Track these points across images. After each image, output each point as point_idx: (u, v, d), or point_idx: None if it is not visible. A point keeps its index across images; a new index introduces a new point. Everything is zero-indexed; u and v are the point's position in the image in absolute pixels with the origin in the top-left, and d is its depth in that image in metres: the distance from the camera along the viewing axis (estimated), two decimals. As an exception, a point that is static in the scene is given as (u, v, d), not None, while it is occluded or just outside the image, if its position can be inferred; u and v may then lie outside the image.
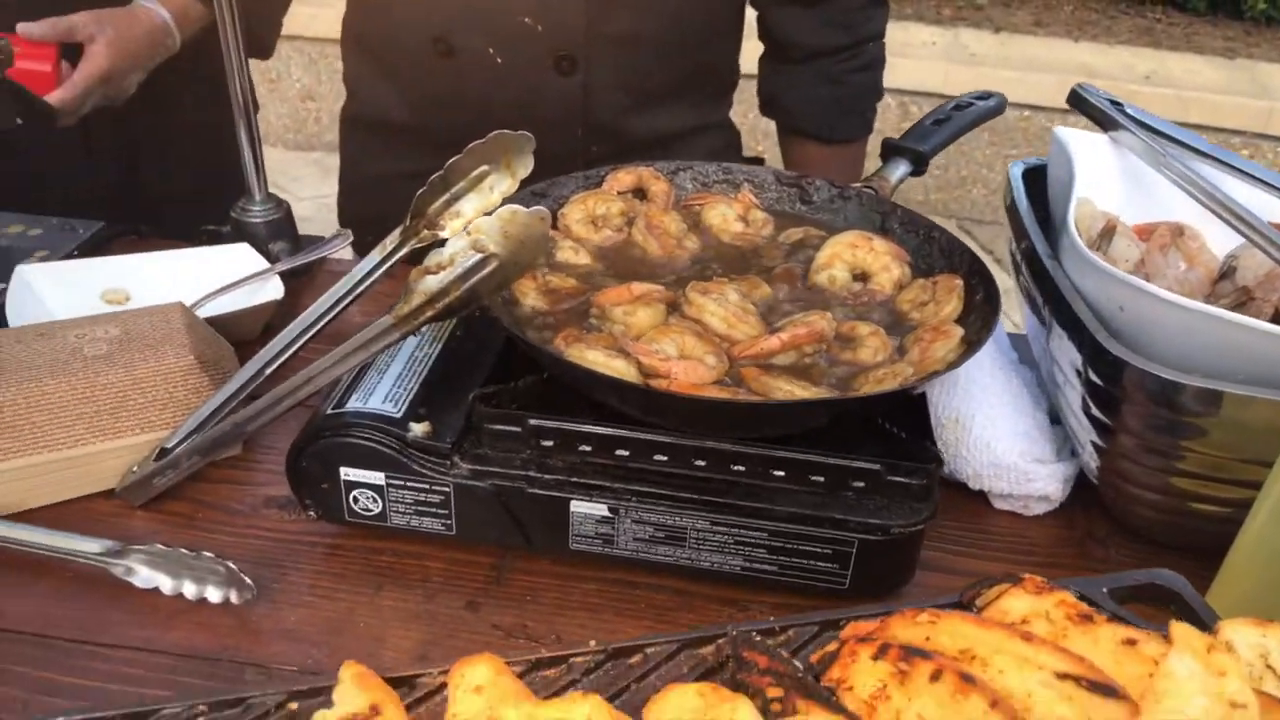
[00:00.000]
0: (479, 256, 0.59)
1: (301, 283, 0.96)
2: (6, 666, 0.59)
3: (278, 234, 0.98)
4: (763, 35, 1.14)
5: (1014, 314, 0.87)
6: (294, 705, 0.45)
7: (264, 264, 0.93)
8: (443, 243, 0.64)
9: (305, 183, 3.27)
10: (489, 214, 0.61)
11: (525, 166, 0.70)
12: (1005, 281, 0.75)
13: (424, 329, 0.64)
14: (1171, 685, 0.35)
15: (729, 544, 0.63)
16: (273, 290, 0.89)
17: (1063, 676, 0.38)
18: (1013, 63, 4.05)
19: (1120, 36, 4.45)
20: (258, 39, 1.40)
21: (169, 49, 1.24)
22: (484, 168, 0.70)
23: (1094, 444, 0.66)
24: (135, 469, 0.70)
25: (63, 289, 0.86)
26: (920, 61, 3.75)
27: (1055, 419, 0.76)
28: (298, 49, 3.49)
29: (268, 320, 0.89)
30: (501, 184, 0.70)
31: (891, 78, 1.19)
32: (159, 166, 1.36)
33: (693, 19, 1.05)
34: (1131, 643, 0.41)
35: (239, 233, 0.97)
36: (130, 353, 0.73)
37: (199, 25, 1.27)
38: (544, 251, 0.66)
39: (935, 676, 0.39)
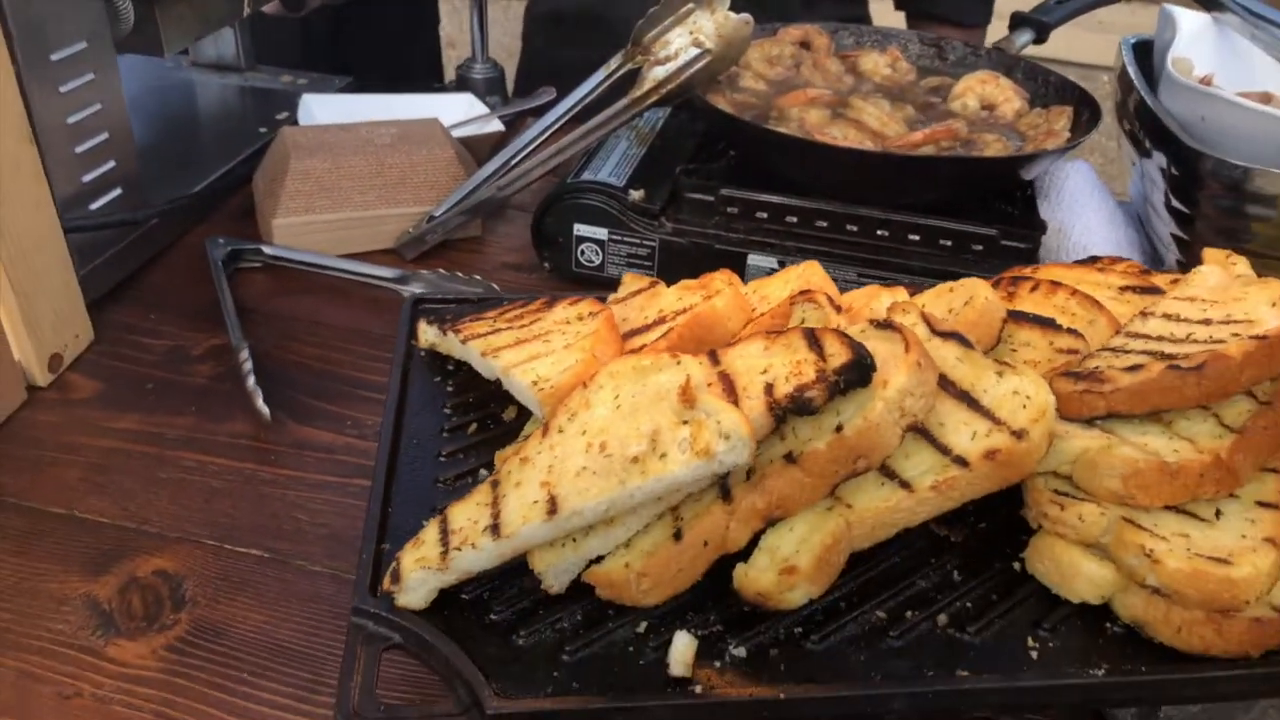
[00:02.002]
0: (698, 51, 0.78)
1: (511, 127, 1.17)
2: (329, 352, 0.81)
3: (494, 89, 1.20)
4: None
5: (1116, 184, 1.03)
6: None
7: (484, 109, 1.15)
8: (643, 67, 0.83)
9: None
10: (696, 30, 0.81)
11: (724, 5, 0.88)
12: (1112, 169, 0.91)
13: (647, 117, 0.84)
14: (1197, 274, 0.53)
15: (871, 293, 0.81)
16: (496, 125, 1.11)
17: (1122, 289, 0.55)
18: (1150, 9, 4.05)
19: None
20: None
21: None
22: (690, 5, 0.89)
23: (1174, 235, 0.82)
24: (411, 229, 0.92)
25: (332, 112, 1.09)
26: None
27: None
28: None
29: (491, 148, 1.10)
30: (703, 19, 0.89)
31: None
32: (353, 49, 1.59)
33: None
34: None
35: (463, 85, 1.19)
36: (408, 145, 0.95)
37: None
38: (745, 50, 0.84)
39: (1035, 288, 0.57)
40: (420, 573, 0.41)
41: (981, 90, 0.90)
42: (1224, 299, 0.50)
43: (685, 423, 0.39)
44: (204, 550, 0.62)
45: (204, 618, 0.58)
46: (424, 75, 1.75)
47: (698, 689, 0.40)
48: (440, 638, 0.40)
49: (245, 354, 0.74)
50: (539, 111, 1.18)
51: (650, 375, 0.42)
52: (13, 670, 0.54)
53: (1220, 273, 0.54)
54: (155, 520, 0.64)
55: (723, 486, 0.42)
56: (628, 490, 0.39)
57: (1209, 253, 0.55)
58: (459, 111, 1.13)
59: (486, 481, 0.43)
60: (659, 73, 0.80)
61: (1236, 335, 0.46)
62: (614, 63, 0.90)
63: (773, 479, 0.41)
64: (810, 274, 0.54)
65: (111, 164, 0.83)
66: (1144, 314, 0.51)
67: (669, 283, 0.61)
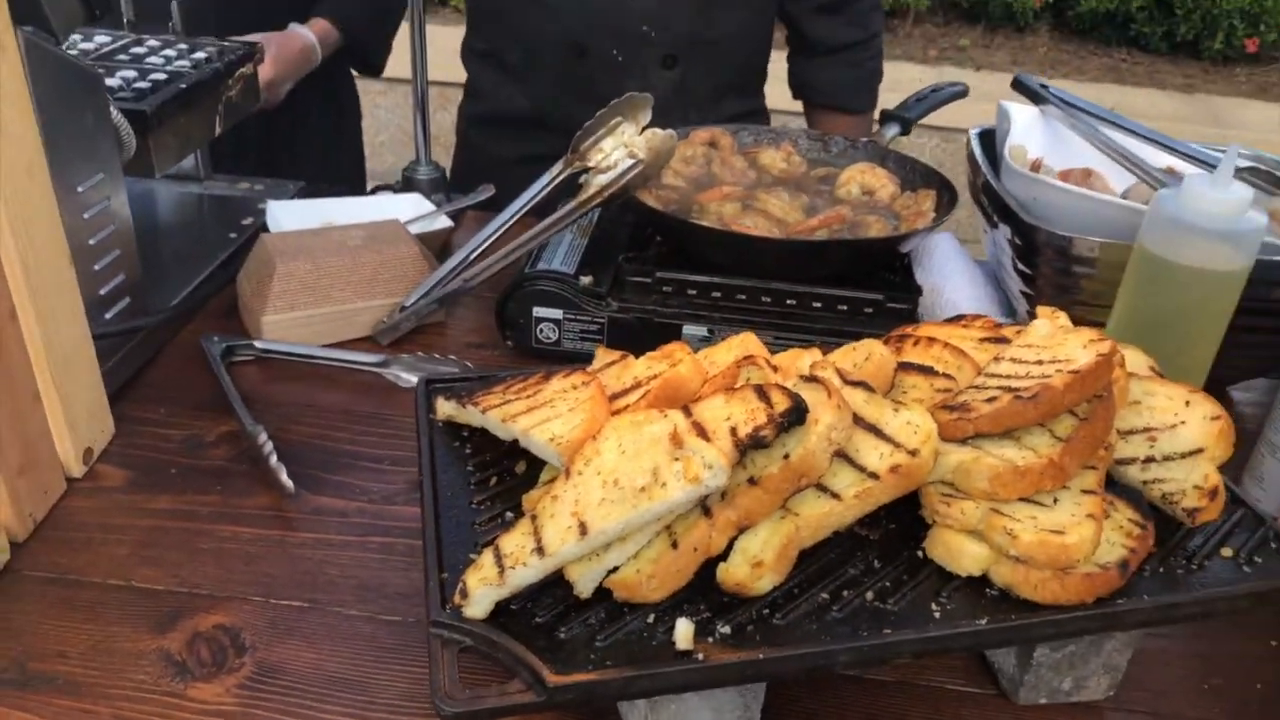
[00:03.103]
0: (632, 161, 0.94)
1: (457, 221, 1.31)
2: (328, 431, 0.93)
3: (437, 187, 1.34)
4: (794, 38, 1.55)
5: (976, 247, 1.23)
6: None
7: (431, 207, 1.28)
8: (586, 170, 1.00)
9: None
10: (629, 143, 0.97)
11: (646, 118, 1.05)
12: (969, 233, 1.11)
13: (588, 214, 0.99)
14: (1033, 327, 0.70)
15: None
16: (444, 221, 1.25)
17: (980, 340, 0.73)
18: (991, 97, 4.48)
19: (1089, 74, 4.88)
20: (369, 59, 1.78)
21: (312, 64, 1.62)
22: (618, 119, 1.05)
23: (1022, 292, 1.02)
24: (385, 319, 1.05)
25: (297, 218, 1.21)
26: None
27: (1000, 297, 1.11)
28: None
29: (441, 243, 1.24)
30: (630, 130, 1.05)
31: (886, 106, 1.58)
32: (287, 154, 1.71)
33: (754, 29, 1.44)
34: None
35: (409, 185, 1.33)
36: (377, 244, 1.08)
37: (331, 49, 1.65)
38: (671, 158, 1.01)
39: (916, 343, 0.74)
40: (483, 589, 0.54)
41: (861, 179, 1.09)
42: (1051, 345, 0.68)
43: (677, 459, 0.54)
44: (252, 605, 0.73)
45: (264, 659, 0.69)
46: (350, 175, 1.88)
47: (699, 657, 0.54)
48: (504, 637, 0.54)
49: (264, 436, 0.85)
50: (481, 206, 1.33)
51: (645, 426, 0.57)
52: (109, 715, 0.64)
53: (1049, 324, 0.72)
54: (205, 584, 0.75)
55: (704, 506, 0.57)
56: (639, 512, 0.53)
57: (1040, 310, 0.73)
58: (409, 210, 1.27)
59: (525, 517, 0.57)
60: (601, 180, 0.95)
61: (1060, 370, 0.63)
62: (556, 169, 1.06)
63: (740, 497, 0.56)
64: (748, 342, 0.69)
65: (122, 277, 0.93)
66: (996, 359, 0.68)
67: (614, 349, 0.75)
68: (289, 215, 1.21)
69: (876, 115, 1.43)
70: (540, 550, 0.54)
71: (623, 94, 1.05)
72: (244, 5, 1.55)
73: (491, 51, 1.54)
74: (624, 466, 0.56)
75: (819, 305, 0.97)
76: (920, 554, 0.62)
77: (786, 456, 0.56)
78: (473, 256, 1.03)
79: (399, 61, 1.66)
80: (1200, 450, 0.66)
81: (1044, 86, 1.24)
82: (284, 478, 0.82)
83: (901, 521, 0.64)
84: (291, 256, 1.03)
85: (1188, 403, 0.69)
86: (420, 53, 1.27)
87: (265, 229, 1.19)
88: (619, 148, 1.00)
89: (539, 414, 0.64)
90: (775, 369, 0.65)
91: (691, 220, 0.97)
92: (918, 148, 3.98)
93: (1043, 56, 5.03)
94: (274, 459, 0.83)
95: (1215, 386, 1.06)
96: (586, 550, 0.54)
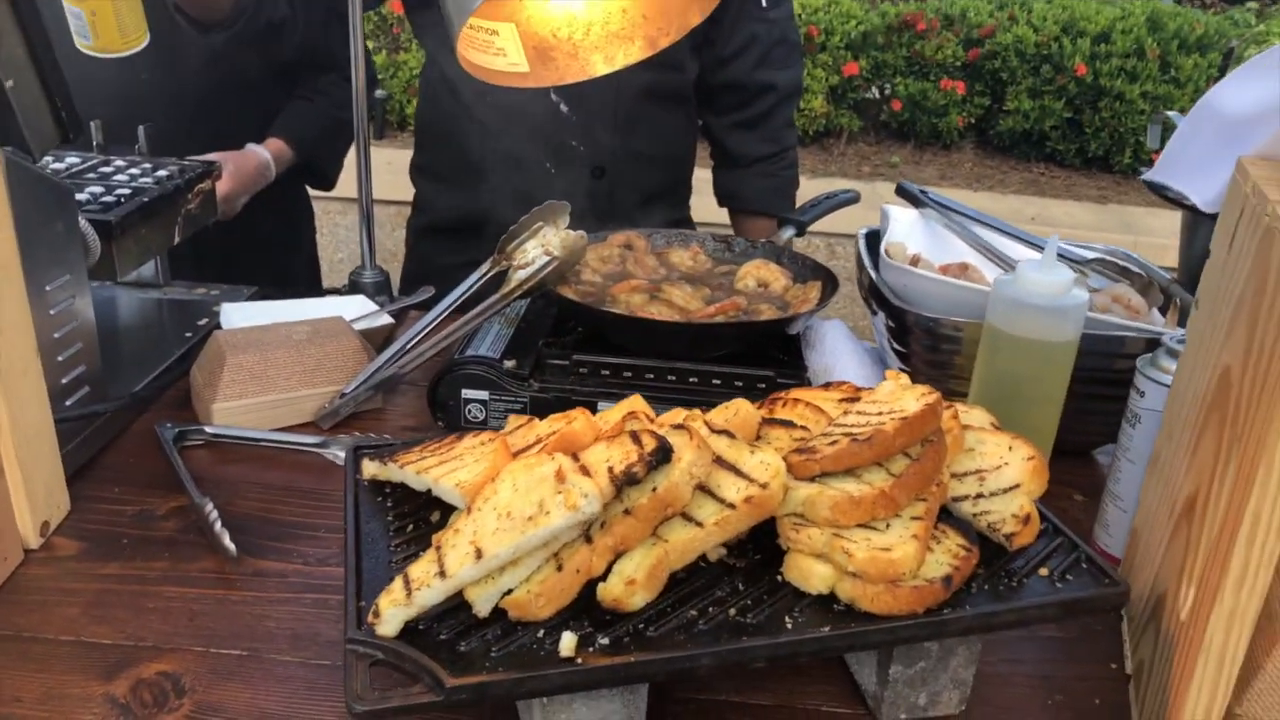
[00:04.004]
0: (547, 259, 1.07)
1: (398, 319, 1.42)
2: (270, 504, 1.02)
3: (381, 290, 1.46)
4: (717, 153, 1.73)
5: (867, 336, 1.37)
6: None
7: (375, 307, 1.40)
8: (507, 270, 1.12)
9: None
10: (545, 243, 1.10)
11: (565, 222, 1.19)
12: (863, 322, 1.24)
13: (513, 305, 1.11)
14: (880, 387, 0.82)
15: (691, 425, 1.09)
16: (386, 319, 1.36)
17: (840, 400, 0.85)
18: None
19: (1012, 187, 5.21)
20: (322, 175, 1.93)
21: (267, 179, 1.76)
22: (539, 224, 1.19)
23: (901, 369, 1.14)
24: (326, 405, 1.15)
25: (248, 318, 1.32)
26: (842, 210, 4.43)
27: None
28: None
29: (384, 338, 1.35)
30: (550, 232, 1.18)
31: (819, 220, 1.75)
32: (244, 261, 1.83)
33: (677, 145, 1.60)
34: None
35: (354, 288, 1.45)
36: (320, 338, 1.18)
37: (286, 166, 1.79)
38: (582, 258, 1.14)
39: (785, 403, 0.85)
40: (393, 609, 0.63)
41: (758, 273, 1.22)
42: (891, 400, 0.80)
43: (559, 492, 0.64)
44: (194, 654, 0.80)
45: (203, 700, 0.76)
46: (305, 280, 2.00)
47: (579, 662, 0.62)
48: (409, 649, 0.62)
49: (210, 506, 0.93)
50: (421, 305, 1.45)
51: (535, 468, 0.67)
52: (57, 753, 0.71)
53: (893, 385, 0.83)
54: (150, 637, 0.82)
55: (586, 535, 0.66)
56: (527, 537, 0.63)
57: (889, 373, 0.85)
58: (354, 309, 1.38)
59: (432, 548, 0.66)
60: (520, 274, 1.08)
61: (892, 418, 0.75)
62: (485, 267, 1.19)
63: (617, 525, 0.66)
64: (635, 403, 0.80)
65: (83, 368, 1.03)
66: (845, 412, 0.80)
67: (540, 422, 0.86)
68: (241, 315, 1.32)
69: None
70: (443, 573, 0.63)
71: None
72: (204, 128, 1.69)
73: (435, 167, 1.68)
74: (516, 501, 0.65)
75: (718, 382, 1.09)
76: (779, 578, 0.72)
77: (655, 489, 0.66)
78: (408, 346, 1.14)
79: (353, 181, 1.81)
80: (1018, 485, 0.78)
81: (923, 191, 1.40)
82: (227, 541, 0.90)
83: (765, 552, 0.74)
84: (241, 349, 1.14)
85: (1010, 448, 0.81)
86: (365, 169, 1.40)
87: (219, 328, 1.29)
88: (538, 247, 1.13)
89: (448, 465, 0.73)
90: (654, 422, 0.76)
91: (603, 308, 1.09)
92: (812, 248, 4.22)
93: (968, 171, 5.36)
94: (219, 525, 0.91)
95: (1081, 451, 1.19)
96: (482, 572, 0.63)
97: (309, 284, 2.00)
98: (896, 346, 1.14)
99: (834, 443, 0.73)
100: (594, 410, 1.09)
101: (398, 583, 0.64)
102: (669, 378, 1.09)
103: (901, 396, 0.79)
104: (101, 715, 0.74)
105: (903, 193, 1.42)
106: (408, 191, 1.76)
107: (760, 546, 0.74)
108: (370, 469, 0.80)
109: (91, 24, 1.19)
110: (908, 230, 1.34)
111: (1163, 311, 1.21)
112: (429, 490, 0.75)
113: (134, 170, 1.27)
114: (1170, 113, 1.37)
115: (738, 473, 0.71)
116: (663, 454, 0.67)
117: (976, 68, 5.17)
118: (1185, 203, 1.18)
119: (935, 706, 0.77)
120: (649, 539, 0.67)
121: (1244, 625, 0.66)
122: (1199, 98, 1.18)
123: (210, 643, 0.82)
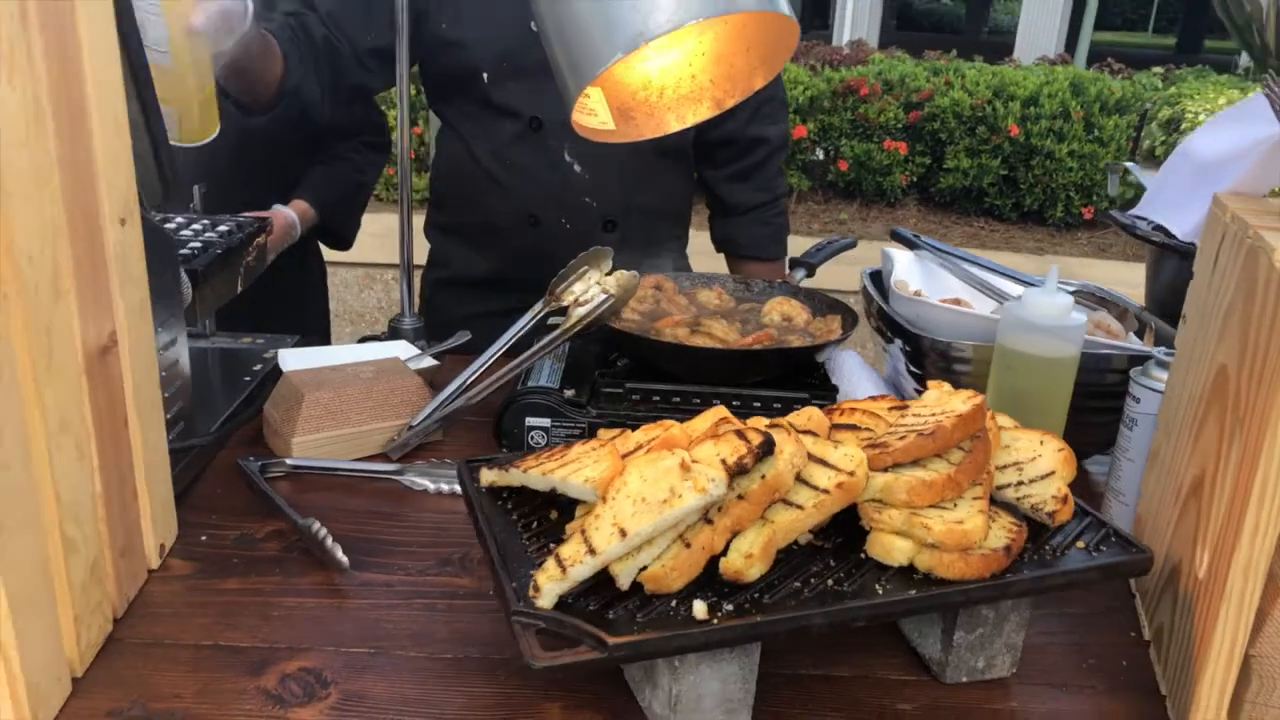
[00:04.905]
0: (605, 295, 1.18)
1: (441, 360, 1.52)
2: (359, 526, 1.10)
3: (419, 335, 1.56)
4: (713, 202, 1.87)
5: (880, 365, 1.50)
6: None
7: (416, 350, 1.49)
8: (564, 310, 1.23)
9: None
10: (600, 282, 1.22)
11: (607, 265, 1.30)
12: (870, 355, 1.38)
13: (569, 340, 1.22)
14: (927, 394, 0.95)
15: (736, 444, 1.20)
16: (431, 361, 1.45)
17: (890, 409, 0.97)
18: (865, 261, 5.01)
19: (954, 240, 5.49)
20: (339, 236, 2.03)
21: (293, 239, 1.86)
22: (585, 267, 1.30)
23: (916, 390, 1.28)
24: (395, 437, 1.23)
25: (303, 362, 1.40)
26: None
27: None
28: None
29: (429, 379, 1.44)
30: (594, 274, 1.30)
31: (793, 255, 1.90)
32: (270, 311, 1.91)
33: (677, 197, 1.74)
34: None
35: (394, 334, 1.54)
36: (385, 376, 1.28)
37: (309, 225, 1.89)
38: (635, 292, 1.25)
39: (843, 413, 0.97)
40: (550, 584, 0.73)
41: (781, 308, 1.35)
42: (939, 404, 0.92)
43: (687, 478, 0.75)
44: (327, 653, 0.88)
45: (347, 690, 0.84)
46: (320, 332, 2.08)
47: (714, 623, 0.73)
48: (569, 618, 0.72)
49: (317, 524, 1.01)
50: (459, 350, 1.55)
51: (658, 462, 0.78)
52: (227, 737, 0.78)
53: (938, 392, 0.96)
54: (283, 640, 0.89)
55: (707, 518, 0.77)
56: (664, 517, 0.73)
57: (931, 384, 0.98)
58: (399, 353, 1.47)
59: (576, 532, 0.76)
60: (580, 311, 1.19)
61: (948, 416, 0.87)
62: (537, 308, 1.30)
63: (732, 509, 0.77)
64: (719, 412, 0.92)
65: (180, 404, 1.11)
66: (902, 415, 0.92)
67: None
68: (295, 360, 1.40)
69: (786, 263, 1.73)
70: (592, 551, 0.73)
71: (570, 255, 1.30)
72: (238, 191, 1.78)
73: (455, 225, 1.80)
74: (647, 489, 0.76)
75: (758, 405, 1.21)
76: (863, 555, 0.83)
77: (764, 477, 0.78)
78: (468, 382, 1.23)
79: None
80: (1053, 472, 0.90)
81: (916, 236, 1.56)
82: (340, 555, 0.98)
83: (849, 534, 0.85)
84: (315, 387, 1.22)
85: (1041, 442, 0.94)
86: (407, 227, 1.51)
87: (279, 370, 1.37)
88: (591, 287, 1.24)
89: (570, 467, 0.84)
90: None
91: (658, 339, 1.21)
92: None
93: (913, 226, 5.64)
94: (329, 540, 0.99)
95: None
96: (626, 549, 0.73)
97: (322, 336, 2.08)
98: (913, 369, 1.27)
99: (902, 438, 0.86)
100: (650, 432, 1.20)
101: (550, 562, 0.74)
102: (713, 401, 1.21)
103: (949, 400, 0.92)
104: (258, 705, 0.81)
105: (898, 237, 1.58)
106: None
107: (840, 531, 0.85)
108: (489, 476, 0.90)
109: (178, 120, 1.30)
110: (907, 269, 1.48)
111: (1139, 335, 1.37)
112: (550, 490, 0.85)
113: (196, 226, 1.36)
114: (1129, 164, 1.55)
115: (825, 464, 0.82)
116: (768, 446, 0.78)
117: (917, 129, 5.48)
118: (1153, 239, 1.35)
119: (992, 669, 0.88)
120: (759, 521, 0.78)
121: (1258, 576, 0.79)
122: (1121, 156, 1.36)
123: (339, 643, 0.89)
